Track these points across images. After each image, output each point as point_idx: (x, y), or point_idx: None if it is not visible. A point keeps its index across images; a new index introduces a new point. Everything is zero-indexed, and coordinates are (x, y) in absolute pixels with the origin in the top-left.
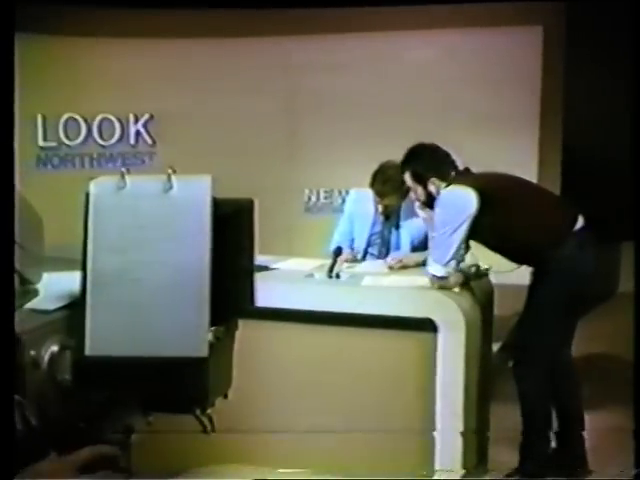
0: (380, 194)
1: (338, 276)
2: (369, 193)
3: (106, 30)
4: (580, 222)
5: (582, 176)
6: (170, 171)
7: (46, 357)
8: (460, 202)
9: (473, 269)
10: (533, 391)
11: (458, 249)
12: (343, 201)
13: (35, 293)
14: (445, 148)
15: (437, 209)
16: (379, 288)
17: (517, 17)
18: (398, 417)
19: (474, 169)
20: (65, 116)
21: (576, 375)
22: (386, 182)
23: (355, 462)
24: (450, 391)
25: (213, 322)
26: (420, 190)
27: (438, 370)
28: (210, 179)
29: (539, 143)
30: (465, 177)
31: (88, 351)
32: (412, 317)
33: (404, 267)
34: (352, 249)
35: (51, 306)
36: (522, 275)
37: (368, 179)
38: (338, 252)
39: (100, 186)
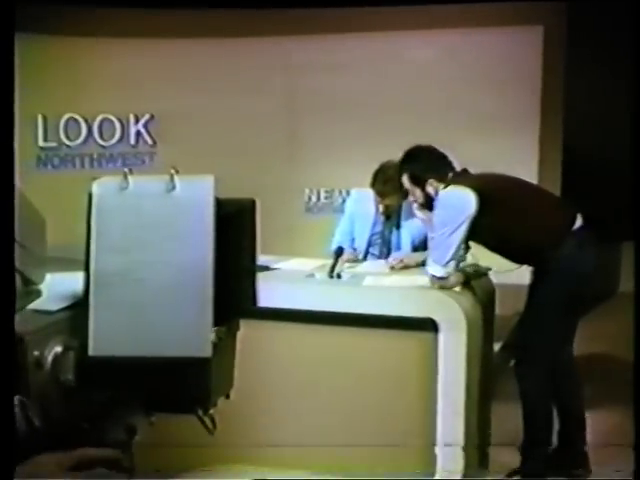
0: (381, 194)
1: (339, 276)
2: (370, 193)
3: (106, 30)
4: (579, 221)
5: (582, 176)
6: (173, 171)
7: (49, 358)
8: (459, 202)
9: (470, 269)
10: (534, 390)
11: (457, 249)
12: (343, 201)
13: (38, 294)
14: (445, 148)
15: (436, 210)
16: (380, 288)
17: (518, 17)
18: (399, 417)
19: (474, 169)
20: (65, 116)
21: (578, 375)
22: (387, 182)
23: (356, 462)
24: (451, 391)
25: (215, 322)
26: (418, 192)
27: (439, 370)
28: (213, 179)
29: (539, 143)
30: (463, 178)
31: (91, 351)
32: (413, 317)
33: (405, 267)
34: (353, 249)
35: (54, 307)
36: (523, 275)
37: (368, 179)
38: (339, 252)
39: (103, 186)
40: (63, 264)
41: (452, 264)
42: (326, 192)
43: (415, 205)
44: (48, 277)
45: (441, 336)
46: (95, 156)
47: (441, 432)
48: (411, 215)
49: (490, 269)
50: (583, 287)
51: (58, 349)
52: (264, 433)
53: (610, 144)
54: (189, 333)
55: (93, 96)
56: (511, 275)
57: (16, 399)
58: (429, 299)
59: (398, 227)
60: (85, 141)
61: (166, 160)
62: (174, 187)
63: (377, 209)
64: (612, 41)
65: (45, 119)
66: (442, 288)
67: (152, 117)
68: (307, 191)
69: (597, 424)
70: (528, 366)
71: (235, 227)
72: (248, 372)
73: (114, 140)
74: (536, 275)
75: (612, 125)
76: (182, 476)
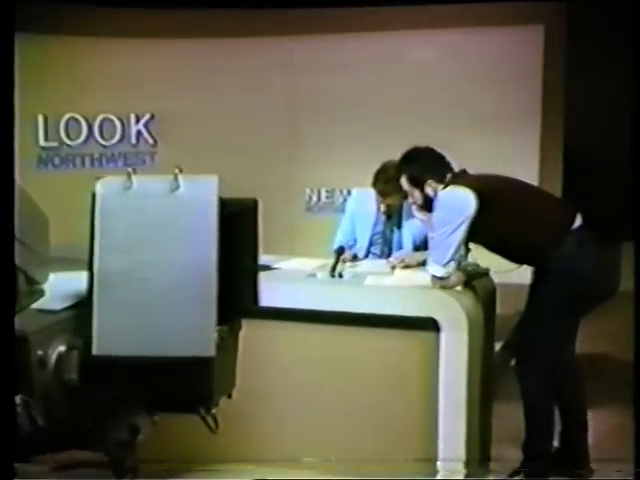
0: (382, 194)
1: (341, 275)
2: (371, 192)
3: (106, 30)
4: (579, 221)
5: (583, 175)
6: (177, 171)
7: (53, 357)
8: (458, 203)
9: (470, 267)
10: (535, 389)
11: (457, 249)
12: (344, 201)
13: (41, 293)
14: (446, 147)
15: (435, 210)
16: (382, 288)
17: (518, 16)
18: (401, 416)
19: (475, 168)
20: (66, 116)
21: (580, 374)
22: (388, 182)
23: (358, 461)
24: (453, 390)
25: (217, 322)
26: (417, 193)
27: (441, 369)
28: (217, 179)
29: (540, 142)
30: (462, 178)
31: (95, 351)
32: (415, 316)
33: (407, 266)
34: (351, 248)
35: (58, 306)
36: (523, 274)
37: (369, 178)
38: (340, 251)
39: (106, 186)
40: (66, 264)
41: (452, 264)
42: (327, 192)
43: (414, 206)
44: (51, 277)
45: (442, 336)
46: (96, 156)
47: (442, 431)
48: (412, 214)
49: (489, 270)
50: (583, 286)
51: (62, 348)
52: (266, 432)
53: (611, 143)
54: (193, 333)
55: (94, 96)
56: (512, 275)
57: (20, 398)
58: (430, 299)
59: (399, 227)
60: (86, 141)
61: (167, 160)
62: (178, 187)
63: (378, 209)
64: (613, 41)
65: (46, 119)
66: (443, 288)
67: (153, 117)
68: (308, 191)
69: (597, 424)
70: (529, 365)
71: (238, 227)
72: (250, 371)
73: (115, 140)
74: (536, 275)
75: (613, 124)
76: (185, 475)
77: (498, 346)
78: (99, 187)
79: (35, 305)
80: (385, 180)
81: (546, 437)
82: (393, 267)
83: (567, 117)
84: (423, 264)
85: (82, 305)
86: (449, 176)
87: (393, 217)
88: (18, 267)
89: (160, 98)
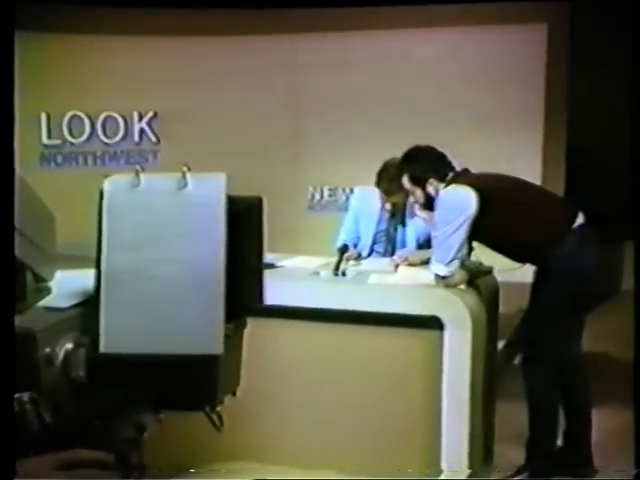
0: (387, 193)
1: (344, 274)
2: (374, 191)
3: (106, 29)
4: (580, 219)
5: (586, 174)
6: (185, 169)
7: (60, 354)
8: (460, 202)
9: (473, 266)
10: (540, 387)
11: (460, 248)
12: (347, 199)
13: (48, 291)
14: (449, 146)
15: (437, 209)
16: (385, 286)
17: (521, 15)
18: (404, 414)
19: (477, 167)
20: (69, 114)
21: (585, 373)
22: (392, 180)
23: (361, 461)
24: (456, 388)
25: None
26: (419, 192)
27: (444, 367)
28: (225, 177)
29: (543, 141)
30: (464, 177)
31: (103, 348)
32: (418, 315)
33: (410, 265)
34: (355, 247)
35: (65, 304)
36: (526, 273)
37: (372, 177)
38: (344, 250)
39: (114, 184)
40: (73, 261)
41: (455, 263)
42: (330, 190)
43: (416, 205)
44: (58, 274)
45: (446, 334)
46: (99, 154)
47: (446, 430)
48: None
49: (492, 268)
50: (584, 285)
51: (69, 346)
52: (270, 430)
53: (614, 143)
54: (200, 330)
55: (96, 94)
56: (514, 273)
57: (27, 395)
58: (434, 297)
59: (403, 225)
60: (89, 139)
61: (170, 158)
62: (186, 185)
63: (382, 207)
64: (616, 40)
65: (49, 117)
66: (447, 286)
67: (155, 115)
68: (311, 189)
69: (598, 423)
70: (535, 363)
71: (244, 225)
72: (254, 369)
73: (118, 138)
74: (538, 273)
75: (616, 124)
76: (189, 473)
77: (501, 344)
78: (107, 184)
79: (42, 303)
80: (389, 179)
81: (550, 435)
82: (397, 265)
83: (570, 116)
84: (427, 262)
85: (89, 303)
86: (450, 175)
87: (397, 215)
88: (25, 264)
89: (163, 96)
